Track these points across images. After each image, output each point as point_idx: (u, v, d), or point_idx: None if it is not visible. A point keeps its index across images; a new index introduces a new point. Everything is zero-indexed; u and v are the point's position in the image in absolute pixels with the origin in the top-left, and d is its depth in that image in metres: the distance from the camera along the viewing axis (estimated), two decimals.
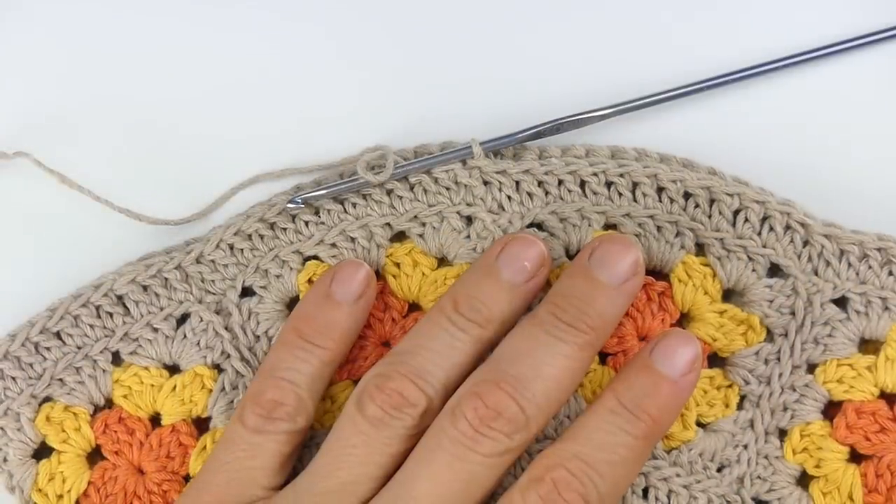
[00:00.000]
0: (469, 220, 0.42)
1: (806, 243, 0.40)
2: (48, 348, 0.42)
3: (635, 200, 0.41)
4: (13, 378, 0.42)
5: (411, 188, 0.42)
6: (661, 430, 0.37)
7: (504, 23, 0.45)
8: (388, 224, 0.42)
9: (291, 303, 0.42)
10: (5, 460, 0.42)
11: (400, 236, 0.42)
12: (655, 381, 0.37)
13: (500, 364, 0.37)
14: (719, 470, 0.40)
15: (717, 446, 0.40)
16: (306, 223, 0.42)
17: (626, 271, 0.38)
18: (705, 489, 0.39)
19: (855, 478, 0.39)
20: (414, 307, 0.42)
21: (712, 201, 0.41)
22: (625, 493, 0.39)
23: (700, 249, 0.41)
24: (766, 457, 0.40)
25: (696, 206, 0.41)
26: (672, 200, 0.41)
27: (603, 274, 0.38)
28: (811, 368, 0.40)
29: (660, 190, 0.41)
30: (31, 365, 0.42)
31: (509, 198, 0.41)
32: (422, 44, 0.45)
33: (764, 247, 0.40)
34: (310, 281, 0.41)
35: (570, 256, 0.41)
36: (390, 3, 0.45)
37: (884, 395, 0.40)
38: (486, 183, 0.41)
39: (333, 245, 0.42)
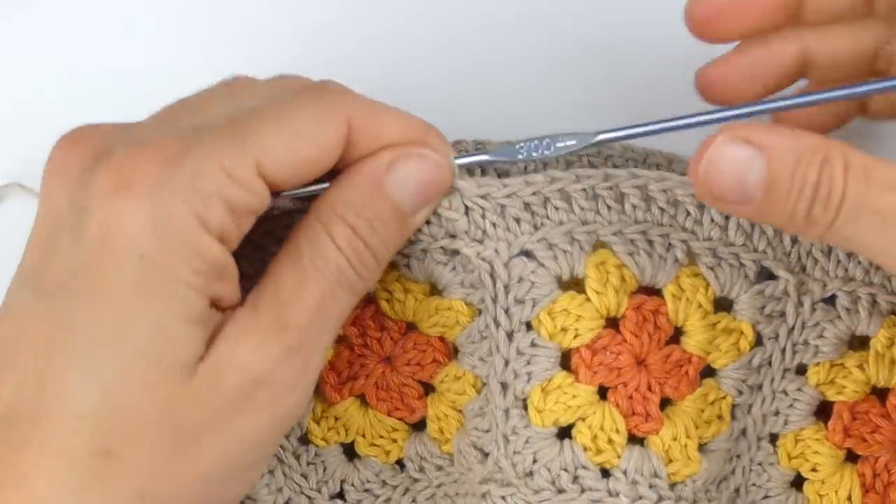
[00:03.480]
0: (454, 252, 0.39)
1: (794, 241, 0.39)
2: None
3: (624, 212, 0.39)
4: None
5: None
6: None
7: (506, 19, 0.45)
8: None
9: None
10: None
11: None
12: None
13: None
14: (718, 486, 0.40)
15: (717, 467, 0.39)
16: None
17: None
18: None
19: (853, 479, 0.39)
20: (413, 326, 0.41)
21: (702, 206, 0.39)
22: None
23: (691, 259, 0.40)
24: (759, 464, 0.40)
25: (687, 214, 0.39)
26: (662, 210, 0.39)
27: None
28: (801, 370, 0.39)
29: (647, 199, 0.39)
30: None
31: (494, 225, 0.39)
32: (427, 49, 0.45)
33: (755, 251, 0.39)
34: None
35: (562, 286, 0.39)
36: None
37: (874, 392, 0.39)
38: (467, 210, 0.38)
39: None
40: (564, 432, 0.39)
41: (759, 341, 0.40)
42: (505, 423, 0.39)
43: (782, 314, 0.39)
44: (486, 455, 0.40)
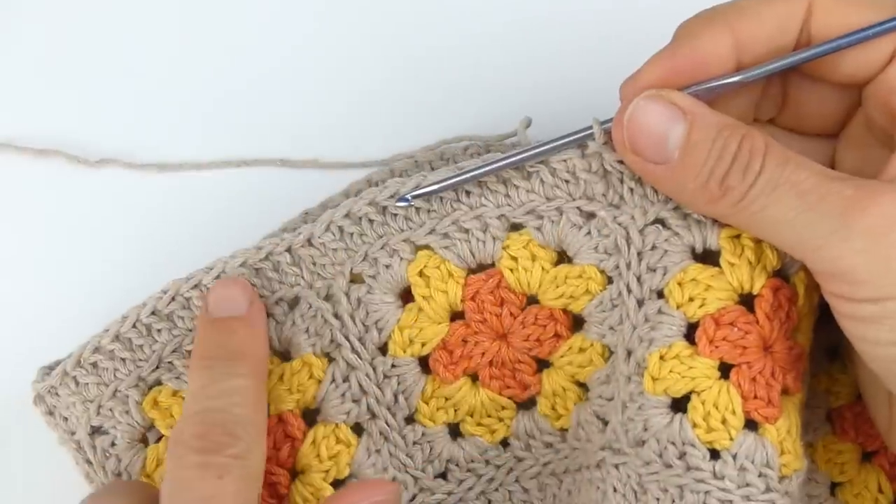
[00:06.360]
0: (590, 215, 0.39)
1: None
2: (159, 330, 0.41)
3: None
4: (122, 360, 0.41)
5: (528, 177, 0.39)
6: (260, 360, 0.39)
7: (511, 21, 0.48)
8: (504, 216, 0.39)
9: (402, 294, 0.40)
10: (113, 444, 0.41)
11: (516, 226, 0.40)
12: (226, 325, 0.39)
13: None
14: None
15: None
16: (417, 210, 0.40)
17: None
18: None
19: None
20: (533, 300, 0.40)
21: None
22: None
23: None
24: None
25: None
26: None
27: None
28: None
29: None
30: (140, 347, 0.41)
31: (631, 190, 0.39)
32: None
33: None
34: (421, 274, 0.40)
35: (695, 256, 0.38)
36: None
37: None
38: (605, 173, 0.38)
39: (446, 235, 0.40)
40: (680, 406, 0.38)
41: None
42: (625, 389, 0.38)
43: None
44: (607, 424, 0.39)
